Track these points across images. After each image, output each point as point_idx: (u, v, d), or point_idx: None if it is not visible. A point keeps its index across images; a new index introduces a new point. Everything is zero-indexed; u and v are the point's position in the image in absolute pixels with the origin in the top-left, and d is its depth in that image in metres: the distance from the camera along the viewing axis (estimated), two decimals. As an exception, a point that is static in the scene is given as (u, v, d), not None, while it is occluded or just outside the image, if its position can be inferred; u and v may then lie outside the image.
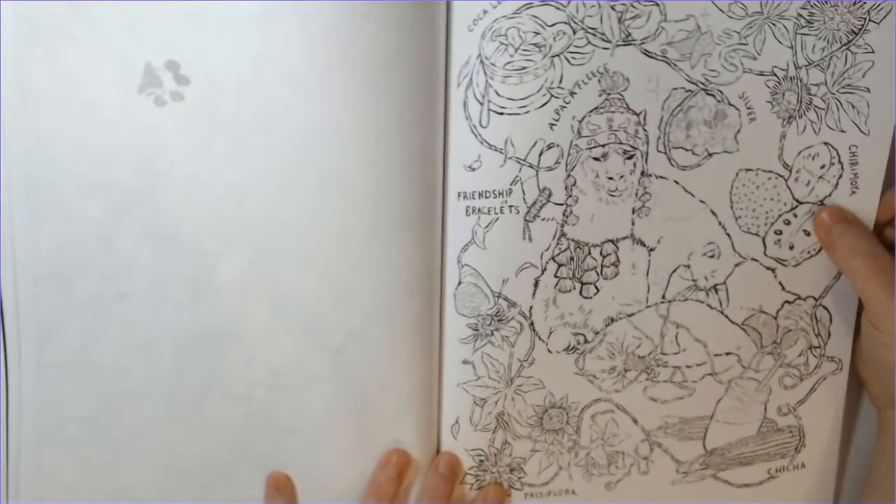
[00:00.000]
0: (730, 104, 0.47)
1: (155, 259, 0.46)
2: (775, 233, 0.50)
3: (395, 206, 0.46)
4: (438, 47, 0.45)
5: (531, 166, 0.47)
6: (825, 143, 0.48)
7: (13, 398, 0.47)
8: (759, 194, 0.49)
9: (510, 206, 0.47)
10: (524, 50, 0.45)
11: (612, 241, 0.48)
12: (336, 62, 0.43)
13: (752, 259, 0.50)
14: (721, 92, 0.47)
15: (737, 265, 0.50)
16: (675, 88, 0.46)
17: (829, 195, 0.49)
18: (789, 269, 0.50)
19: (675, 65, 0.46)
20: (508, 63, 0.45)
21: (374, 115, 0.44)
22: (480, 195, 0.47)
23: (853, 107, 0.48)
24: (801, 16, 0.46)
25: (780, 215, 0.49)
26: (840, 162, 0.49)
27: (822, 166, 0.49)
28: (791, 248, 0.50)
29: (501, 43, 0.44)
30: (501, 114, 0.45)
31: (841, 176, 0.49)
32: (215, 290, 0.47)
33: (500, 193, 0.47)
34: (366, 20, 0.43)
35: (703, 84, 0.47)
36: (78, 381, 0.47)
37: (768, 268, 0.50)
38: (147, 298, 0.47)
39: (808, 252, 0.50)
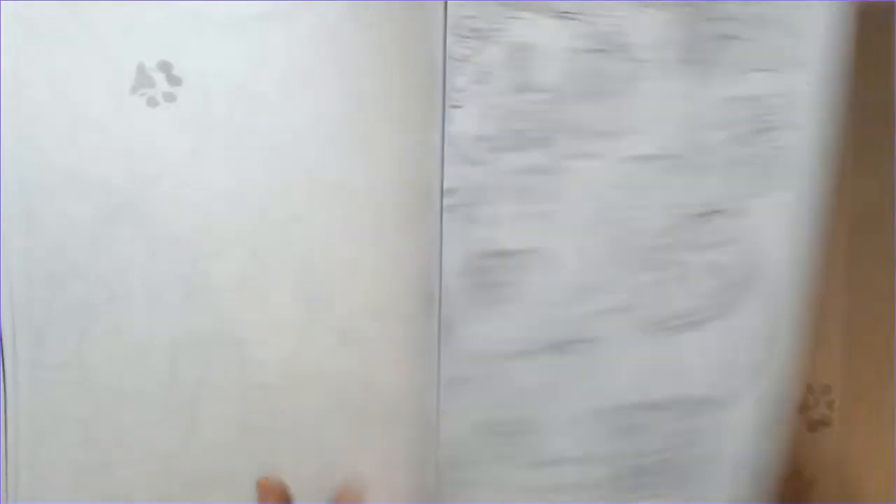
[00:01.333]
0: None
1: (148, 260, 0.46)
2: None
3: (391, 206, 0.46)
4: (436, 47, 0.45)
5: (513, 164, 0.46)
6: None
7: (10, 400, 0.48)
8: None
9: None
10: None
11: None
12: (331, 63, 0.43)
13: None
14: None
15: None
16: None
17: None
18: None
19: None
20: (490, 59, 0.44)
21: (370, 115, 0.44)
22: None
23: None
24: None
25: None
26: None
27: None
28: None
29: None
30: (488, 111, 0.45)
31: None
32: (209, 292, 0.47)
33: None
34: (363, 20, 0.43)
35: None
36: (72, 383, 0.47)
37: None
38: (141, 300, 0.47)
39: None
